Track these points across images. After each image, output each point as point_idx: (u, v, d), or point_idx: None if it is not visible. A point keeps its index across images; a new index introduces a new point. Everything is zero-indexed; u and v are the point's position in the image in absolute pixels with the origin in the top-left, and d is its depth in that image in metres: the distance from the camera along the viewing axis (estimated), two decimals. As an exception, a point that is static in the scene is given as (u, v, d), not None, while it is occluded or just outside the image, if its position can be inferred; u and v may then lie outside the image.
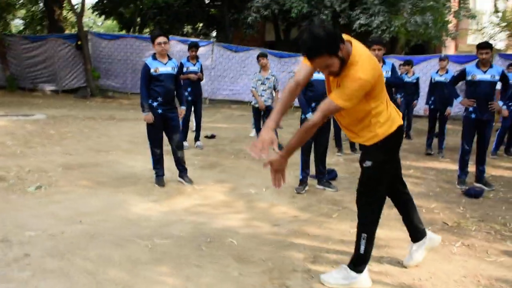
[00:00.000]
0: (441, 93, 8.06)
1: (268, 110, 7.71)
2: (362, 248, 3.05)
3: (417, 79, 9.77)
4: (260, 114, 8.01)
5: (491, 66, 5.84)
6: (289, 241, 3.84)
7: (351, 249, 3.22)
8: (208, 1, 22.03)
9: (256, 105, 7.86)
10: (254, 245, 3.72)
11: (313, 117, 2.66)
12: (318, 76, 5.18)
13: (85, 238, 3.68)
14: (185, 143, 7.41)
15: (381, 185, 3.03)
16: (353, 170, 6.46)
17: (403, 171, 3.43)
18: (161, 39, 5.24)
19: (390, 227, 4.16)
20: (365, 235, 3.04)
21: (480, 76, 5.81)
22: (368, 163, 2.96)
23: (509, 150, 8.35)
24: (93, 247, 3.49)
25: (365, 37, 16.31)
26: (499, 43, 23.52)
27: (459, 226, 4.37)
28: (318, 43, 2.46)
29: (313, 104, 5.37)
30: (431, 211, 4.86)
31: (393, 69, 6.00)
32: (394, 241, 3.83)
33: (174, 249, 3.57)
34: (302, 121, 5.49)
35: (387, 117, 2.92)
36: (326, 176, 5.79)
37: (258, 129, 8.20)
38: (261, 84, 7.88)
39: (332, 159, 7.22)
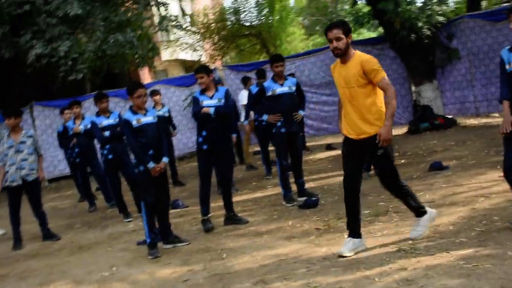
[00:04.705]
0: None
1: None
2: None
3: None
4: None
5: (286, 79, 7.12)
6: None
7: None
8: None
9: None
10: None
11: (391, 90, 4.17)
12: (147, 119, 5.83)
13: None
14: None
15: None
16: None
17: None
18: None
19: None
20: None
21: (279, 89, 7.02)
22: (381, 150, 4.15)
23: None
24: None
25: (49, 72, 13.17)
26: (204, 54, 25.10)
27: (330, 227, 5.67)
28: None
29: (150, 152, 5.77)
30: (294, 226, 5.96)
31: (227, 95, 6.50)
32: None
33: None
34: (138, 174, 5.84)
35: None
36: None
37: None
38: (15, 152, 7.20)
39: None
